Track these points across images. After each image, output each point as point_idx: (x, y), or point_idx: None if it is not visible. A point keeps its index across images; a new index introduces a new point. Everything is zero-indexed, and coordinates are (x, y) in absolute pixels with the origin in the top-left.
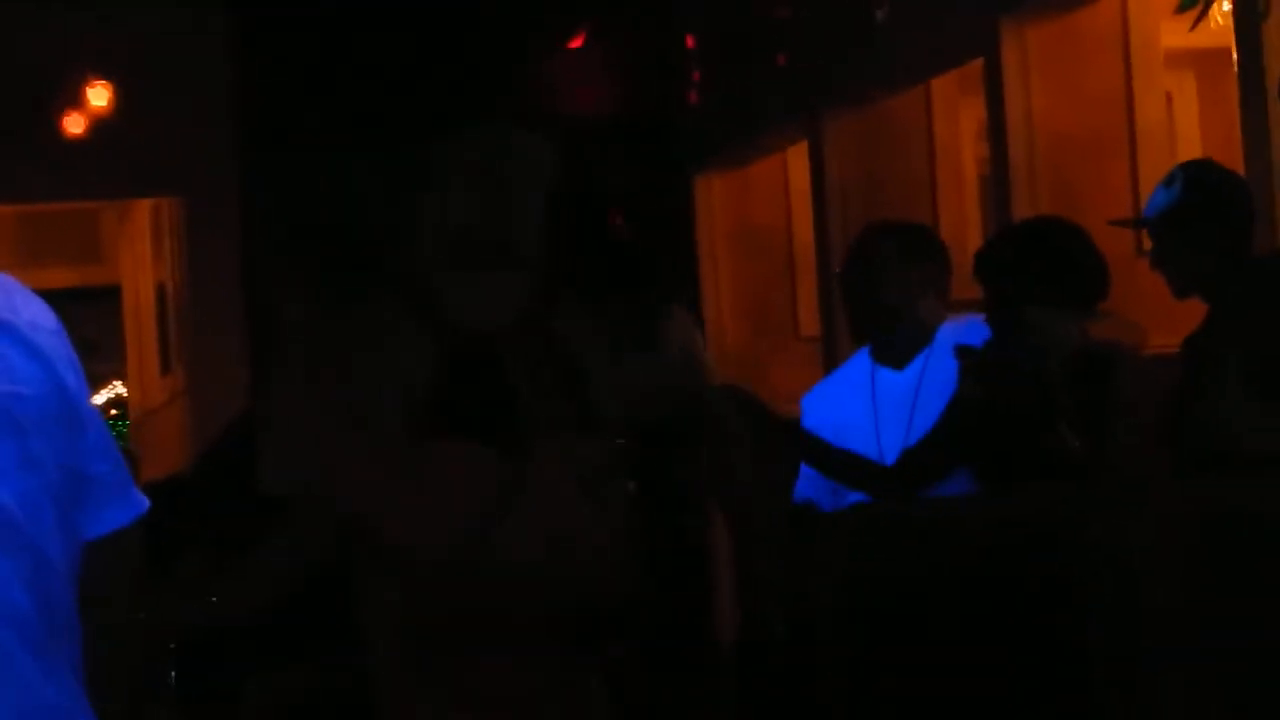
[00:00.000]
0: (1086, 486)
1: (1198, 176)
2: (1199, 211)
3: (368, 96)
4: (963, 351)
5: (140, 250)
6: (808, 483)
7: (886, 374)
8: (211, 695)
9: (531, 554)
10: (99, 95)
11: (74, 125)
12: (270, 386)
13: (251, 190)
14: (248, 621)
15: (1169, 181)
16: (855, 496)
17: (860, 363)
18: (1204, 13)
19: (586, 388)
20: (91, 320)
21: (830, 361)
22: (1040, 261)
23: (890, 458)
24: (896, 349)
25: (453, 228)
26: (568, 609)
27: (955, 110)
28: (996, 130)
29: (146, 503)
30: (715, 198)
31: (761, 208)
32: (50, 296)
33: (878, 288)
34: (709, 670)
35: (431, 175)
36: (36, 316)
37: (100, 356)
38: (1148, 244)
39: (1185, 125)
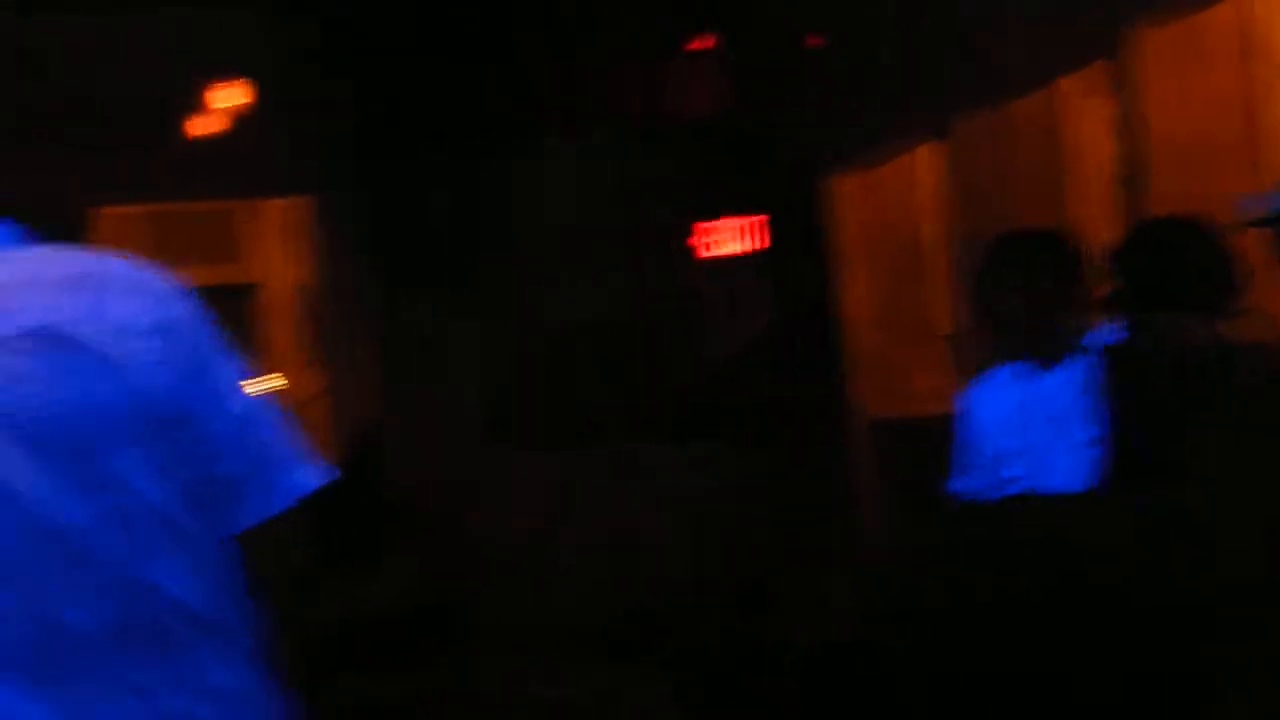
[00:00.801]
0: (1209, 488)
1: None
2: None
3: (488, 99)
4: (1102, 349)
5: (275, 249)
6: (966, 475)
7: (1035, 376)
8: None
9: (597, 557)
10: (230, 95)
11: (206, 125)
12: (388, 389)
13: (373, 193)
14: (371, 627)
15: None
16: (1009, 489)
17: (1013, 365)
18: None
19: (669, 390)
20: (229, 319)
21: (961, 360)
22: (1170, 261)
23: (1039, 459)
24: (1042, 354)
25: (547, 228)
26: (634, 614)
27: (1082, 110)
28: (1124, 131)
29: (302, 488)
30: (847, 198)
31: (891, 208)
32: None
33: (1021, 295)
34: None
35: (533, 177)
36: (128, 317)
37: (239, 355)
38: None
39: None
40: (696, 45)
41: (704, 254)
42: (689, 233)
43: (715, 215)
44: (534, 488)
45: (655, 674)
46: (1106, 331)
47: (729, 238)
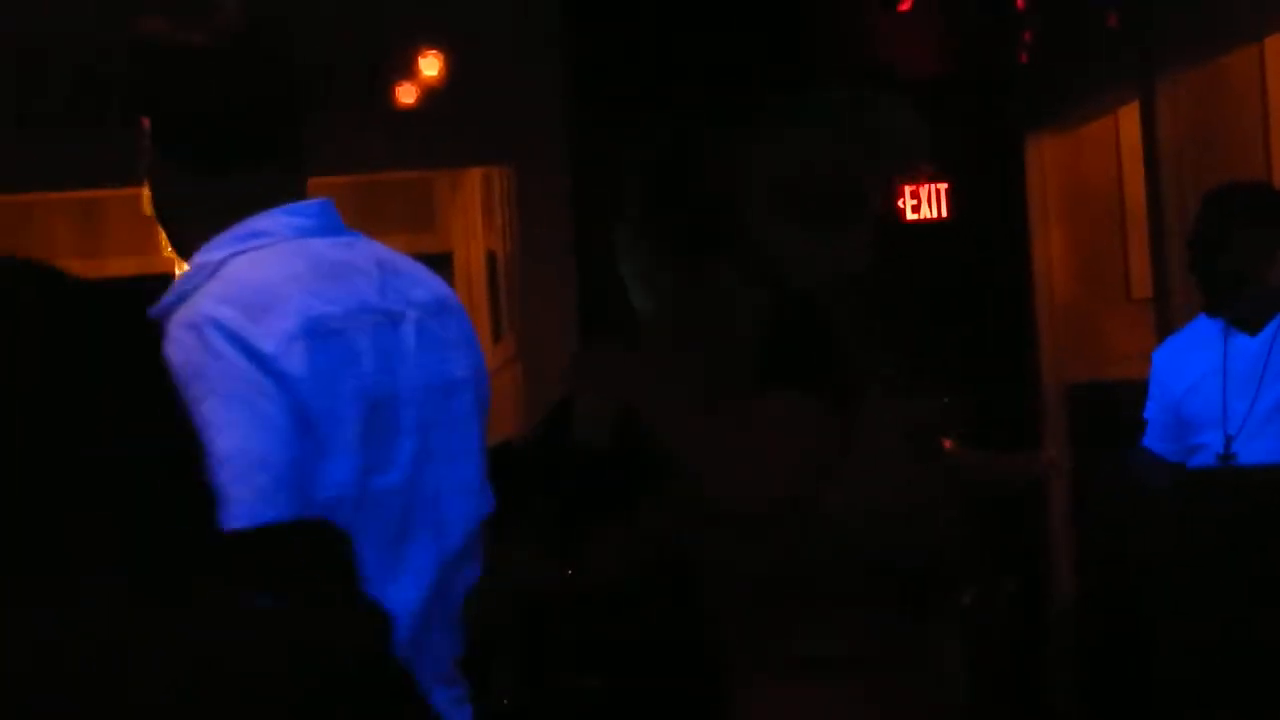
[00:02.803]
0: None
1: None
2: None
3: (697, 60)
4: None
5: (471, 218)
6: (1154, 436)
7: (1238, 339)
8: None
9: (855, 512)
10: (431, 65)
11: (407, 95)
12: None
13: (582, 157)
14: (599, 590)
15: None
16: (1202, 453)
17: (1210, 326)
18: None
19: (911, 346)
20: None
21: (1162, 323)
22: None
23: (1234, 424)
24: (1249, 314)
25: (788, 181)
26: (890, 569)
27: None
28: None
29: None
30: (1046, 158)
31: (1093, 168)
32: None
33: (1229, 252)
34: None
35: (770, 130)
36: (275, 327)
37: None
38: None
39: None
40: (905, 4)
41: (909, 216)
42: (896, 194)
43: (922, 177)
44: (787, 437)
45: (944, 627)
46: None
47: (931, 201)
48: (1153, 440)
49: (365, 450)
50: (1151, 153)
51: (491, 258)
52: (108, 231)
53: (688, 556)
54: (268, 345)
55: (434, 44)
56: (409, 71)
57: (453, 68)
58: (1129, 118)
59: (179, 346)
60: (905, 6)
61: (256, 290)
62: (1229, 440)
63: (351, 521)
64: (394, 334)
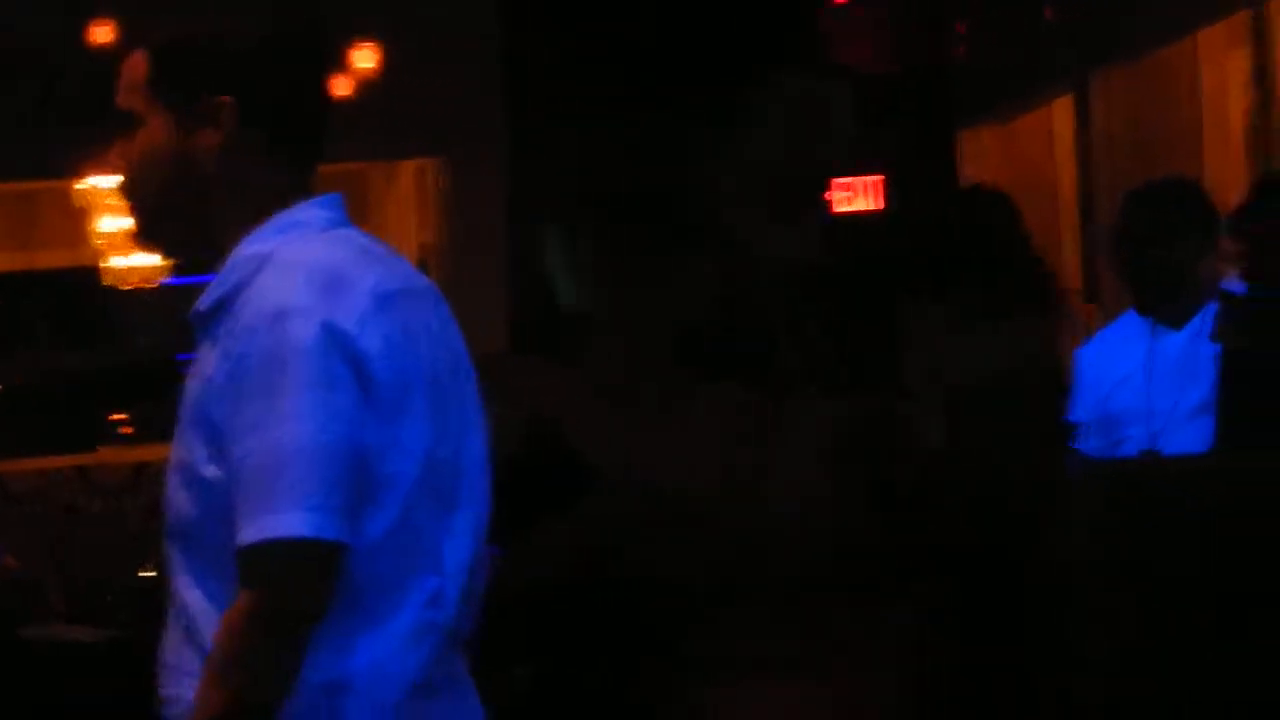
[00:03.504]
0: None
1: None
2: None
3: (634, 55)
4: (1224, 296)
5: (404, 211)
6: (1083, 408)
7: (1164, 333)
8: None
9: (788, 503)
10: (366, 57)
11: (340, 88)
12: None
13: (517, 151)
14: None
15: None
16: (1126, 447)
17: (1136, 321)
18: None
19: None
20: None
21: (1089, 316)
22: None
23: (1160, 420)
24: (1175, 309)
25: (751, 166)
26: (825, 560)
27: (1223, 61)
28: (1263, 81)
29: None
30: (981, 153)
31: (1027, 161)
32: None
33: (1157, 250)
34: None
35: (732, 117)
36: (351, 305)
37: None
38: None
39: None
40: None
41: (838, 209)
42: (826, 188)
43: (854, 169)
44: (725, 425)
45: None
46: (1235, 287)
47: (866, 193)
48: (1082, 410)
49: (431, 422)
50: (1085, 145)
51: (424, 249)
52: (38, 224)
53: (625, 555)
54: (349, 324)
55: (370, 36)
56: (342, 64)
57: (388, 61)
58: (1063, 111)
59: (266, 338)
60: (843, 0)
61: (325, 272)
62: (1154, 435)
63: (416, 490)
64: (434, 313)
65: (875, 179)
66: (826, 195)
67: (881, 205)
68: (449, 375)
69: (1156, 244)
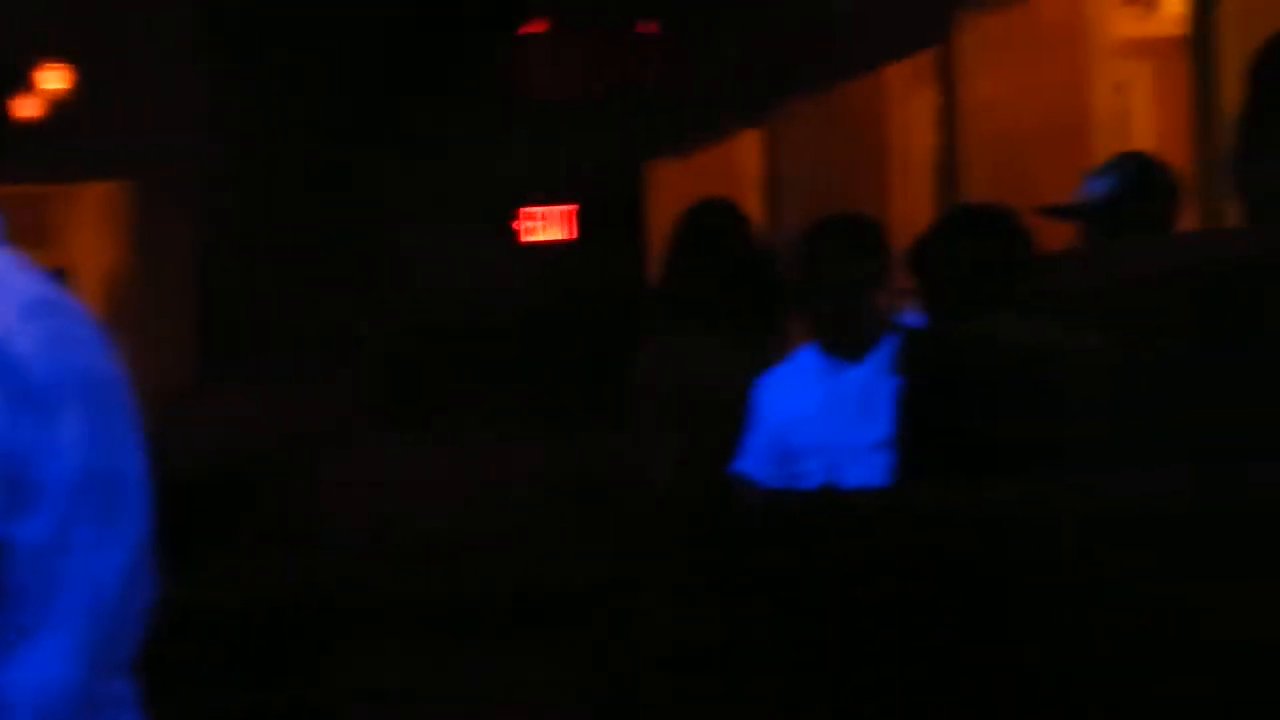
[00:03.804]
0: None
1: (1120, 169)
2: (1116, 204)
3: (331, 79)
4: (903, 331)
5: (89, 234)
6: (752, 458)
7: (843, 368)
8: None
9: (493, 540)
10: (54, 78)
11: (27, 108)
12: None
13: (207, 174)
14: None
15: (1097, 173)
16: (805, 481)
17: (813, 356)
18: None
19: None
20: None
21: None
22: (974, 252)
23: (839, 454)
24: (853, 344)
25: (437, 195)
26: (532, 595)
27: (908, 98)
28: (948, 118)
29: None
30: (669, 185)
31: (713, 194)
32: None
33: (834, 283)
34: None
35: (423, 156)
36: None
37: None
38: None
39: (1139, 114)
40: (531, 29)
41: (526, 238)
42: (514, 217)
43: (540, 200)
44: (410, 462)
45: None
46: (913, 321)
47: (551, 222)
48: (751, 466)
49: (88, 431)
50: (771, 179)
51: (111, 274)
52: None
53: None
54: None
55: (60, 57)
56: (29, 84)
57: (80, 83)
58: (750, 144)
59: None
60: (537, 29)
61: None
62: (832, 469)
63: (71, 498)
64: (85, 328)
65: (566, 209)
66: (515, 224)
67: (573, 235)
68: (105, 389)
69: (831, 277)
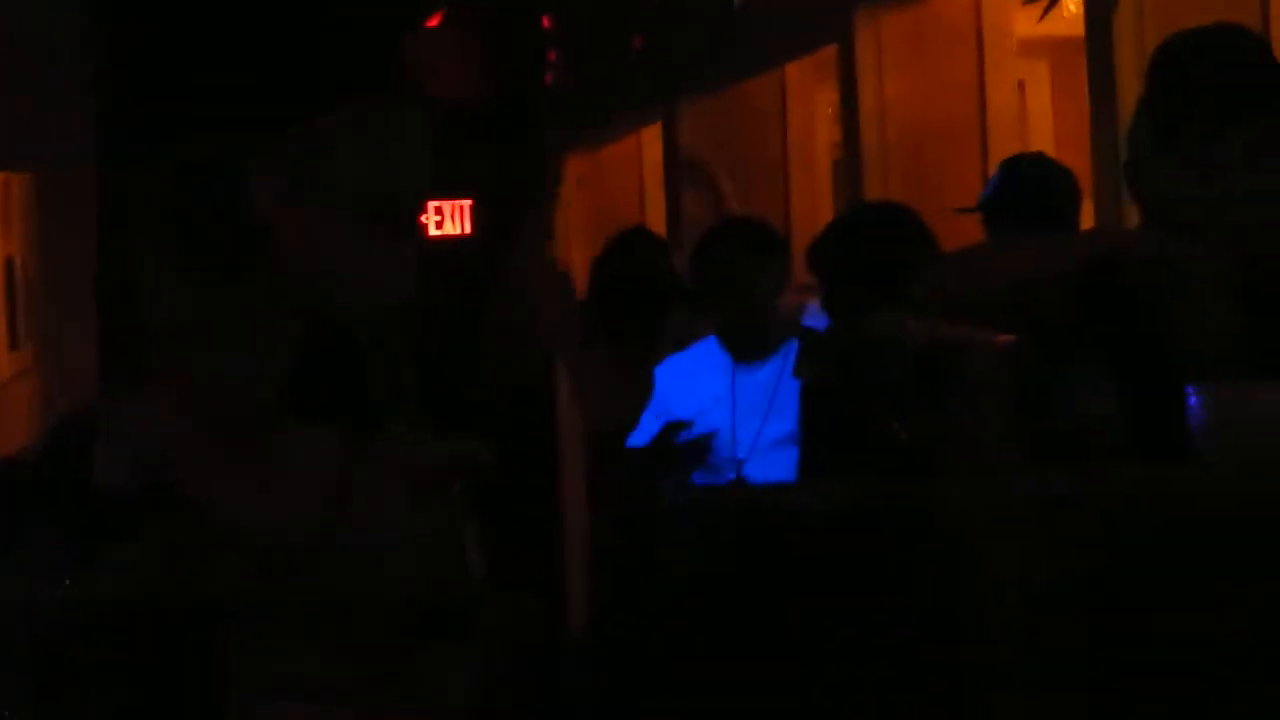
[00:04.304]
0: (920, 479)
1: (1016, 169)
2: (1013, 203)
3: (230, 69)
4: (804, 333)
5: None
6: (640, 433)
7: (745, 368)
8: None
9: (370, 544)
10: None
11: None
12: (121, 371)
13: (109, 169)
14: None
15: (995, 172)
16: (715, 472)
17: (716, 353)
18: (1053, 3)
19: (444, 385)
20: None
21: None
22: (868, 249)
23: (743, 449)
24: (752, 348)
25: (334, 199)
26: (405, 602)
27: (810, 95)
28: (849, 116)
29: None
30: (571, 180)
31: (616, 189)
32: None
33: (735, 287)
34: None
35: (313, 146)
36: None
37: None
38: None
39: (1038, 113)
40: (430, 23)
41: (432, 233)
42: (421, 211)
43: (444, 194)
44: (309, 466)
45: (454, 654)
46: (816, 320)
47: (454, 217)
48: (640, 436)
49: None
50: (673, 174)
51: (10, 265)
52: None
53: (197, 586)
54: None
55: None
56: None
57: None
58: (652, 139)
59: None
60: (433, 23)
61: None
62: (739, 464)
63: None
64: None
65: (463, 203)
66: (421, 219)
67: (469, 230)
68: None
69: (732, 280)
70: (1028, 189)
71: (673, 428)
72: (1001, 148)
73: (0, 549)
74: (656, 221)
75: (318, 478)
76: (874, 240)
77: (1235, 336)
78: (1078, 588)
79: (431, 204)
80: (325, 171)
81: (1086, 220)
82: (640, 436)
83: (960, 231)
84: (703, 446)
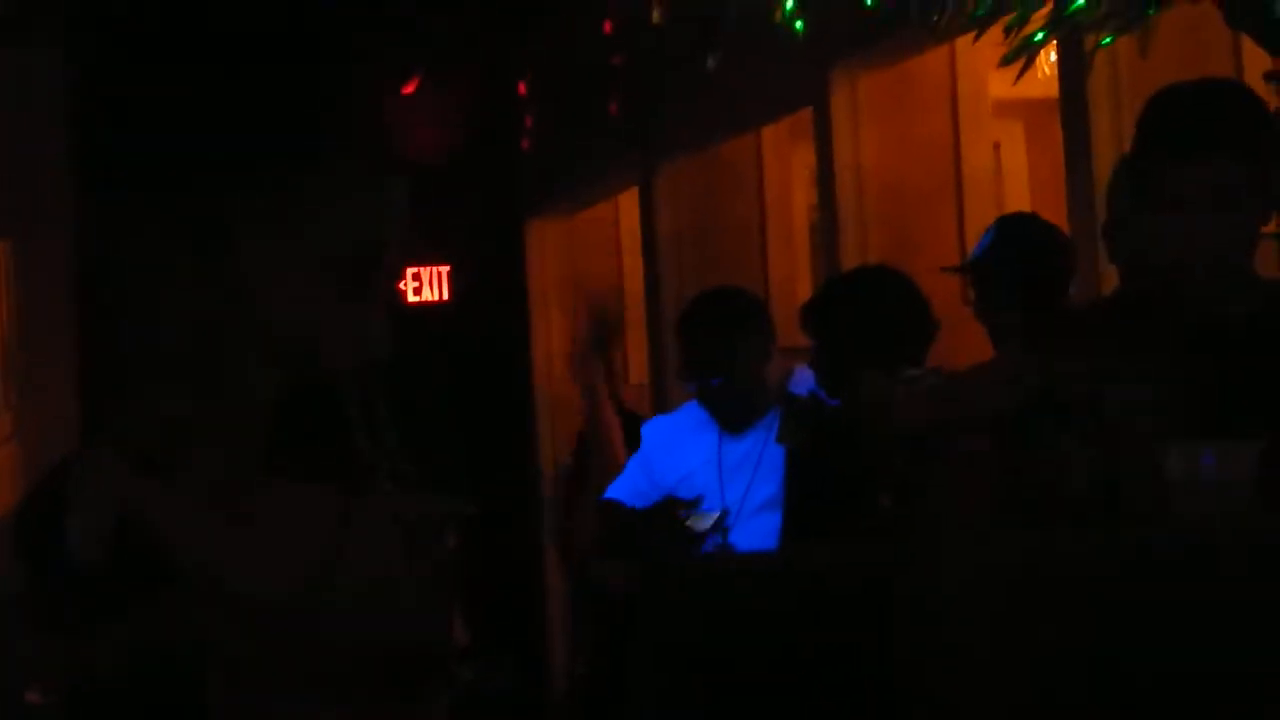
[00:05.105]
0: (900, 542)
1: (1010, 229)
2: (1008, 264)
3: (208, 133)
4: (788, 399)
5: None
6: (624, 491)
7: (730, 436)
8: None
9: (358, 599)
10: None
11: None
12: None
13: (86, 234)
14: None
15: (986, 233)
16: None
17: (702, 419)
18: (1028, 65)
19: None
20: None
21: (659, 407)
22: (864, 314)
23: (730, 515)
24: (741, 414)
25: (316, 260)
26: (391, 655)
27: (787, 157)
28: (826, 178)
29: None
30: (547, 245)
31: (593, 254)
32: None
33: (717, 360)
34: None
35: (292, 209)
36: None
37: None
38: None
39: (1013, 174)
40: (407, 89)
41: (410, 299)
42: (399, 276)
43: (420, 259)
44: (299, 522)
45: (433, 709)
46: (804, 385)
47: (431, 283)
48: (624, 496)
49: None
50: (650, 239)
51: None
52: None
53: (188, 651)
54: None
55: None
56: None
57: None
58: (629, 204)
59: None
60: (409, 90)
61: None
62: (726, 530)
63: None
64: None
65: (442, 268)
66: (399, 285)
67: (447, 295)
68: None
69: (716, 357)
70: (1018, 251)
71: (675, 504)
72: (978, 208)
73: None
74: (635, 285)
75: (307, 535)
76: (867, 305)
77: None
78: (1054, 650)
79: (409, 270)
80: (308, 233)
81: None
82: (623, 489)
83: (941, 291)
84: (717, 524)
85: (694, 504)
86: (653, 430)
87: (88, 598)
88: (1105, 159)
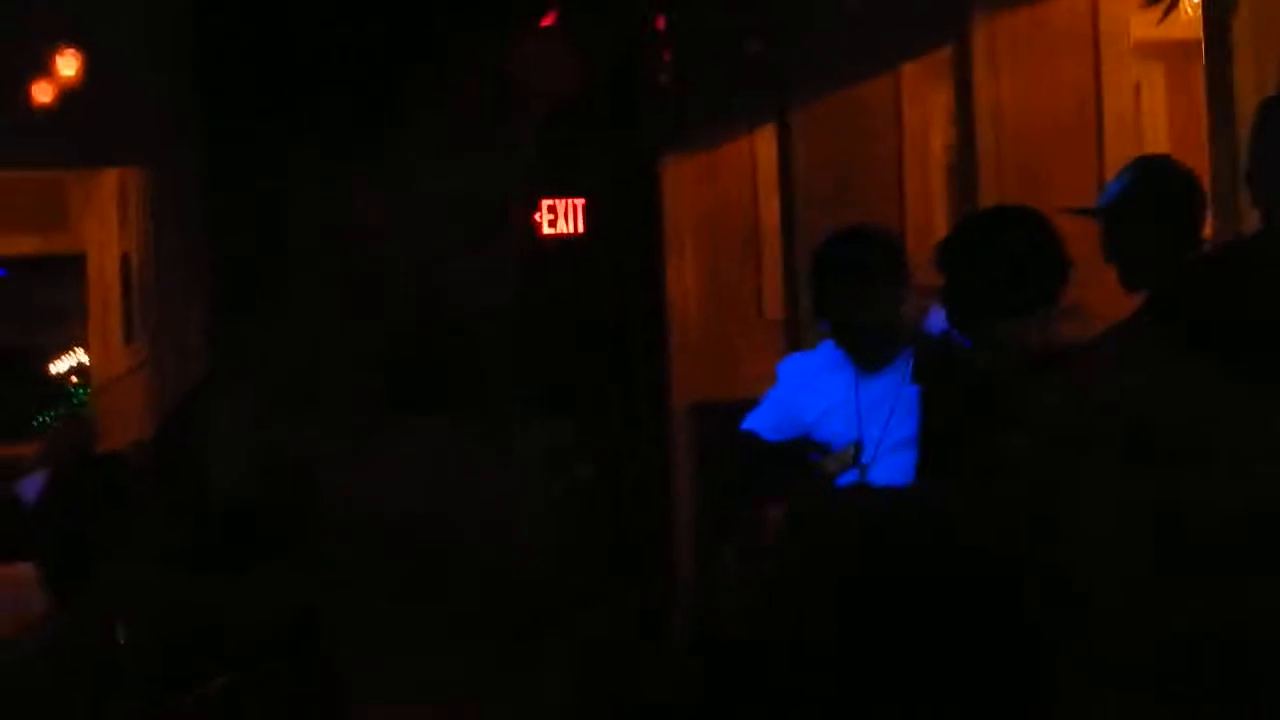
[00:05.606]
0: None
1: (1145, 172)
2: (1141, 206)
3: (334, 68)
4: (920, 338)
5: (106, 219)
6: (760, 423)
7: (868, 377)
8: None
9: (490, 531)
10: (68, 64)
11: (42, 93)
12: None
13: (215, 163)
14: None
15: (1120, 175)
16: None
17: (838, 358)
18: (1173, 5)
19: (549, 364)
20: (57, 288)
21: (794, 344)
22: (997, 253)
23: (867, 453)
24: (878, 355)
25: (449, 200)
26: (521, 591)
27: (924, 96)
28: (964, 117)
29: None
30: (683, 180)
31: (729, 191)
32: (16, 264)
33: (861, 304)
34: (667, 658)
35: (426, 148)
36: None
37: (66, 324)
38: None
39: (1153, 116)
40: (545, 22)
41: (545, 231)
42: (534, 208)
43: (556, 193)
44: (431, 454)
45: (558, 652)
46: (939, 324)
47: (566, 215)
48: (759, 428)
49: None
50: (786, 176)
51: (126, 260)
52: None
53: (316, 601)
54: None
55: (71, 42)
56: (45, 69)
57: (88, 68)
58: (765, 141)
59: None
60: (547, 22)
61: None
62: (864, 468)
63: None
64: None
65: (577, 202)
66: (535, 218)
67: (582, 229)
68: None
69: (851, 296)
70: (1151, 194)
71: (808, 445)
72: (1117, 150)
73: (114, 542)
74: (770, 222)
75: (438, 467)
76: (1000, 245)
77: None
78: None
79: (545, 203)
80: (432, 178)
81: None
82: (761, 421)
83: (1072, 232)
84: (854, 458)
85: (825, 447)
86: (789, 367)
87: (232, 542)
88: (1248, 102)
